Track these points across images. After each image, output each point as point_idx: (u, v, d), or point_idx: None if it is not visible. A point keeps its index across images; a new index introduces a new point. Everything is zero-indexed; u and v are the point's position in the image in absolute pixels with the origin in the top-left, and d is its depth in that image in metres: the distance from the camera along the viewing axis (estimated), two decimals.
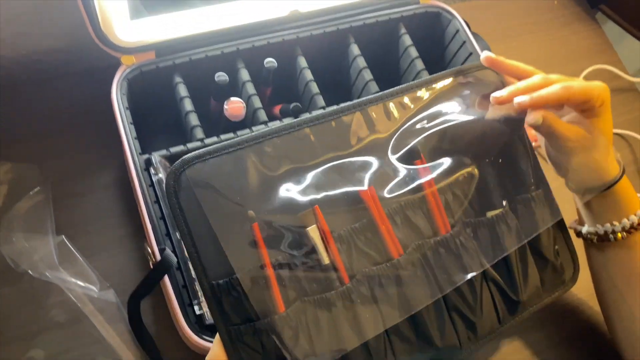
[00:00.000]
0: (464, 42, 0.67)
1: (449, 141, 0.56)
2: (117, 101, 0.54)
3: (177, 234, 0.50)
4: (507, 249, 0.55)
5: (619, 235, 0.56)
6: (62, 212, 0.60)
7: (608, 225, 0.56)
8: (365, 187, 0.50)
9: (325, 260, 0.48)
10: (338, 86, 0.67)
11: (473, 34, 0.68)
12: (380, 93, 0.53)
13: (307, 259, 0.48)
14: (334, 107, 0.51)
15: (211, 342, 0.48)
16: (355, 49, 0.64)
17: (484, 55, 0.56)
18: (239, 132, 0.57)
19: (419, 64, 0.66)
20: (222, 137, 0.56)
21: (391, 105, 0.53)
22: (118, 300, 0.57)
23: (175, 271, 0.49)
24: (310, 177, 0.49)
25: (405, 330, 0.50)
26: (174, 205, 0.43)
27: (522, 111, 0.53)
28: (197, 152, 0.44)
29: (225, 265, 0.45)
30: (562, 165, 0.56)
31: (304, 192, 0.48)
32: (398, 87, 0.53)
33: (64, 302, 0.55)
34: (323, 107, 0.60)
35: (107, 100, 0.56)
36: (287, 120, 0.58)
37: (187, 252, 0.44)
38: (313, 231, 0.48)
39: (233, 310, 0.45)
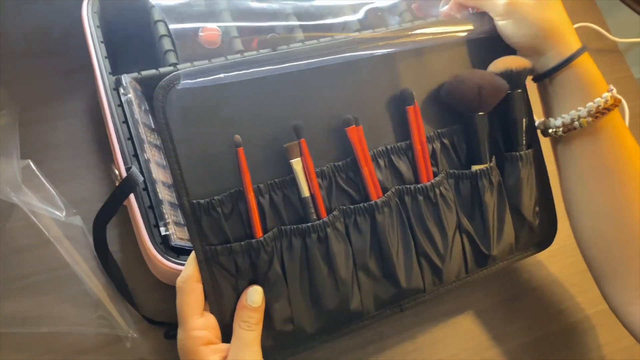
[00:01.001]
0: None
1: (445, 92, 0.56)
2: (87, 18, 0.52)
3: (146, 153, 0.49)
4: (485, 205, 0.56)
5: (584, 121, 0.54)
6: (30, 137, 0.58)
7: (573, 111, 0.54)
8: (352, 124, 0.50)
9: (305, 193, 0.49)
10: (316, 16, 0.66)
11: None
12: (381, 34, 0.53)
13: (288, 190, 0.48)
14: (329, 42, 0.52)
15: (175, 262, 0.47)
16: None
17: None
18: (213, 60, 0.56)
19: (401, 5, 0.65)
20: (196, 63, 0.54)
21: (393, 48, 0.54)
22: (84, 226, 0.56)
23: (142, 192, 0.48)
24: (297, 105, 0.49)
25: (373, 268, 0.51)
26: (161, 121, 0.44)
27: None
28: (188, 69, 0.44)
29: (206, 186, 0.45)
30: (511, 40, 0.56)
31: (290, 119, 0.48)
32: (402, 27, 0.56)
33: (28, 225, 0.54)
34: (302, 41, 0.59)
35: (78, 26, 0.54)
36: (265, 52, 0.57)
37: (170, 169, 0.44)
38: (297, 164, 0.48)
39: (211, 231, 0.45)
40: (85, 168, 0.59)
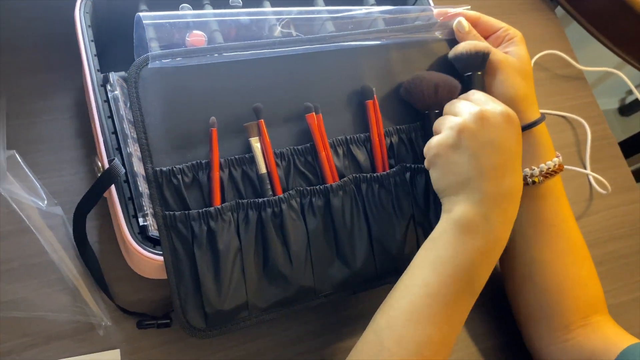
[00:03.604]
0: None
1: (404, 90, 0.60)
2: (79, 17, 0.55)
3: (129, 148, 0.51)
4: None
5: (536, 179, 0.60)
6: (16, 129, 0.60)
7: (527, 169, 0.60)
8: (312, 112, 0.54)
9: (262, 170, 0.53)
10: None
11: None
12: (345, 32, 0.58)
13: (247, 167, 0.52)
14: (299, 38, 0.56)
15: (152, 252, 0.49)
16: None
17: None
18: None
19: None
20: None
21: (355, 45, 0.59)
22: (65, 217, 0.57)
23: (123, 184, 0.51)
24: (261, 92, 0.54)
25: (326, 247, 0.54)
26: (132, 94, 0.49)
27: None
28: (162, 51, 0.49)
29: (170, 157, 0.50)
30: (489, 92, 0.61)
31: (255, 105, 0.53)
32: (367, 30, 0.60)
33: (9, 213, 0.56)
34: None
35: (68, 24, 0.57)
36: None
37: (137, 138, 0.48)
38: (255, 142, 0.52)
39: (171, 198, 0.49)
40: (69, 161, 0.61)
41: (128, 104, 0.54)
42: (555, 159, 0.61)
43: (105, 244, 0.59)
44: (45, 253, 0.56)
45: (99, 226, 0.59)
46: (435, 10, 0.64)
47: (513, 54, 0.62)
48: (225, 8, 0.61)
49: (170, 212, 0.48)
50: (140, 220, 0.50)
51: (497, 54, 0.61)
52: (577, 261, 0.61)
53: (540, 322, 0.61)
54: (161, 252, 0.49)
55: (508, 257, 0.63)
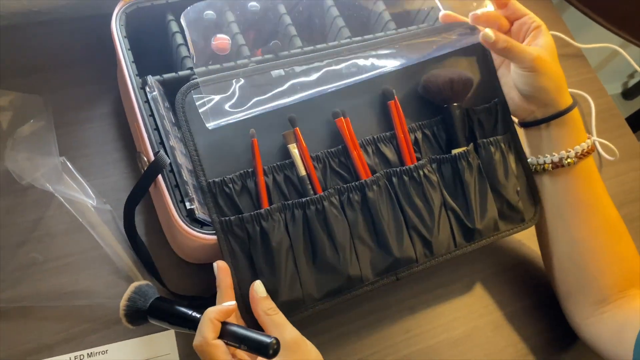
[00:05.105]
0: None
1: (422, 87, 0.65)
2: (116, 29, 0.60)
3: (170, 142, 0.56)
4: (466, 184, 0.63)
5: (571, 160, 0.64)
6: (62, 138, 0.65)
7: (563, 152, 0.64)
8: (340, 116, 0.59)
9: (302, 172, 0.57)
10: (313, 31, 0.74)
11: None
12: (364, 43, 0.64)
13: (288, 172, 0.57)
14: (322, 53, 0.62)
15: (200, 232, 0.54)
16: (329, 1, 0.72)
17: (442, 14, 0.67)
18: (224, 64, 0.64)
19: (386, 16, 0.73)
20: (210, 67, 0.62)
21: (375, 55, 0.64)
22: (113, 213, 0.62)
23: (168, 173, 0.56)
24: (294, 104, 0.58)
25: (368, 238, 0.58)
26: (181, 118, 0.55)
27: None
28: (202, 78, 0.55)
29: (220, 169, 0.55)
30: (527, 88, 0.64)
31: (289, 115, 0.58)
32: (382, 38, 0.66)
33: (64, 213, 0.61)
34: (300, 47, 0.67)
35: (103, 42, 0.63)
36: (268, 57, 0.65)
37: (190, 156, 0.54)
38: (293, 148, 0.57)
39: (225, 205, 0.54)
40: (112, 163, 0.66)
41: (165, 104, 0.60)
42: (588, 141, 0.65)
43: (151, 235, 0.63)
44: (98, 247, 0.60)
45: (144, 220, 0.64)
46: (441, 14, 0.68)
47: (541, 44, 0.64)
48: (245, 15, 0.67)
49: (226, 218, 0.53)
50: (187, 204, 0.54)
51: (530, 51, 0.62)
52: (613, 237, 0.64)
53: (579, 298, 0.65)
54: (207, 232, 0.54)
55: (547, 238, 0.67)
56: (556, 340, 0.70)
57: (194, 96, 0.55)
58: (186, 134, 0.55)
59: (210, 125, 0.54)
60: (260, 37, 0.70)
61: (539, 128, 0.66)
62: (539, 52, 0.62)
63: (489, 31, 0.62)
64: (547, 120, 0.65)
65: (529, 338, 0.69)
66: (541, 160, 0.66)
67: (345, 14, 0.72)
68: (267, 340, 0.46)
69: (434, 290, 0.69)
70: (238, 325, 0.49)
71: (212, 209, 0.54)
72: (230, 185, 0.54)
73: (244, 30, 0.67)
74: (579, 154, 0.64)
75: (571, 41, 0.95)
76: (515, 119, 0.70)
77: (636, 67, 0.96)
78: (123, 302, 0.52)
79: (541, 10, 0.99)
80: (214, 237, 0.54)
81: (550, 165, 0.65)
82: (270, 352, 0.45)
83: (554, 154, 0.65)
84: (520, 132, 0.69)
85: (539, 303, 0.71)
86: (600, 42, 0.99)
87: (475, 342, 0.67)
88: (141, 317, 0.53)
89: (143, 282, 0.55)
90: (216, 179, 0.54)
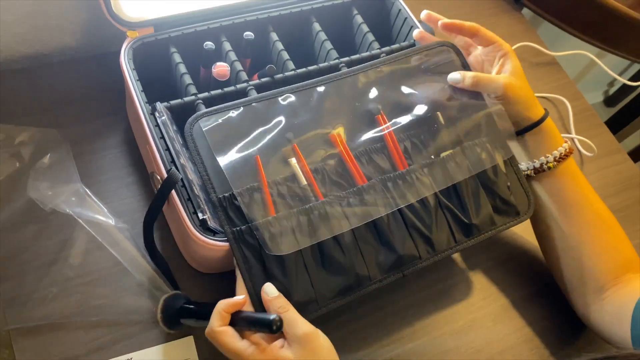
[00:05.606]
0: (406, 18, 0.82)
1: (407, 99, 0.70)
2: (125, 63, 0.66)
3: (181, 160, 0.61)
4: (456, 180, 0.67)
5: (551, 165, 0.69)
6: (79, 166, 0.70)
7: (542, 158, 0.70)
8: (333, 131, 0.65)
9: (303, 182, 0.62)
10: (304, 55, 0.81)
11: (418, 21, 0.82)
12: (350, 69, 0.70)
13: (290, 183, 0.62)
14: (313, 80, 0.68)
15: (213, 240, 0.58)
16: (317, 26, 0.78)
17: (424, 13, 0.72)
18: (225, 89, 0.69)
19: (370, 37, 0.80)
20: (212, 92, 0.68)
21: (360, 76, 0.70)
22: (131, 231, 0.67)
23: (181, 188, 0.61)
24: (291, 125, 0.64)
25: (371, 238, 0.62)
26: (191, 144, 0.60)
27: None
28: (207, 109, 0.62)
29: (227, 185, 0.59)
30: (507, 108, 0.70)
31: (287, 134, 0.64)
32: (366, 64, 0.71)
33: (85, 234, 0.65)
34: (294, 70, 0.73)
35: (110, 79, 0.69)
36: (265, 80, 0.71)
37: (200, 175, 0.59)
38: (292, 162, 0.62)
39: (235, 216, 0.59)
40: (125, 187, 0.71)
41: (173, 128, 0.65)
42: (565, 145, 0.70)
43: (166, 249, 0.68)
44: (119, 263, 0.65)
45: (157, 236, 0.69)
46: (416, 32, 0.76)
47: (509, 70, 0.70)
48: (241, 44, 0.73)
49: (237, 228, 0.58)
50: (200, 215, 0.59)
51: (498, 80, 0.68)
52: (602, 229, 0.70)
53: (580, 289, 0.70)
54: (220, 239, 0.58)
55: (544, 237, 0.73)
56: (555, 326, 0.74)
57: (203, 129, 0.61)
58: (196, 157, 0.60)
59: (223, 162, 0.59)
60: (256, 62, 0.76)
61: (517, 139, 0.72)
62: (507, 79, 0.69)
63: (454, 74, 0.70)
64: (522, 132, 0.71)
65: (529, 325, 0.73)
66: (524, 167, 0.72)
67: (332, 38, 0.78)
68: (270, 317, 0.52)
69: (434, 285, 0.73)
70: (247, 312, 0.56)
71: (224, 221, 0.58)
72: (239, 198, 0.59)
73: (241, 57, 0.74)
74: (557, 157, 0.69)
75: (545, 50, 1.01)
76: None
77: (611, 73, 1.03)
78: (159, 310, 0.60)
79: (514, 24, 1.07)
80: (227, 243, 0.58)
81: (532, 171, 0.71)
82: (274, 327, 0.52)
83: (534, 160, 0.71)
84: None
85: (538, 292, 0.76)
86: (575, 49, 1.06)
87: (477, 332, 0.71)
88: (175, 320, 0.60)
89: (171, 292, 0.61)
90: (226, 194, 0.59)
